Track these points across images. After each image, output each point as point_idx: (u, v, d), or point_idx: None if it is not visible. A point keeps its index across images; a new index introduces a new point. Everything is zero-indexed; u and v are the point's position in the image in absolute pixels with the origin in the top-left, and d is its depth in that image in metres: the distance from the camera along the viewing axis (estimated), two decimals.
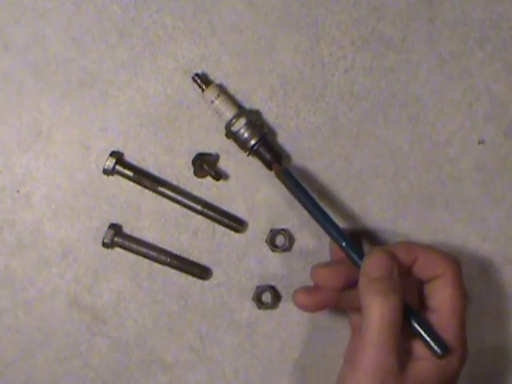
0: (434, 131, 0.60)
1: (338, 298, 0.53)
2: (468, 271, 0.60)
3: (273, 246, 0.59)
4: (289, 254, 0.60)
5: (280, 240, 0.60)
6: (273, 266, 0.60)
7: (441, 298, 0.51)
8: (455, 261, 0.52)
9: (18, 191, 0.59)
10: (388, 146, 0.60)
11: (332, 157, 0.60)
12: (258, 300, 0.59)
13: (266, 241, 0.59)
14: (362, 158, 0.60)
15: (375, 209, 0.60)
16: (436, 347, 0.49)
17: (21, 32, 0.58)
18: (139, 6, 0.58)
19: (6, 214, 0.59)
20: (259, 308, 0.59)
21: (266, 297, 0.60)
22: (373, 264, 0.51)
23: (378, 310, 0.49)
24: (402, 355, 0.49)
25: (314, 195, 0.56)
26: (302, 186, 0.55)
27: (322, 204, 0.55)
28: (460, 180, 0.60)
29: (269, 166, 0.57)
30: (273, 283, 0.60)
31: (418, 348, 0.51)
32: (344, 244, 0.53)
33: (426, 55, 0.60)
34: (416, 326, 0.50)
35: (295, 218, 0.60)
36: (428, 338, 0.50)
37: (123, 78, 0.59)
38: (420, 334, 0.50)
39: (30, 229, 0.59)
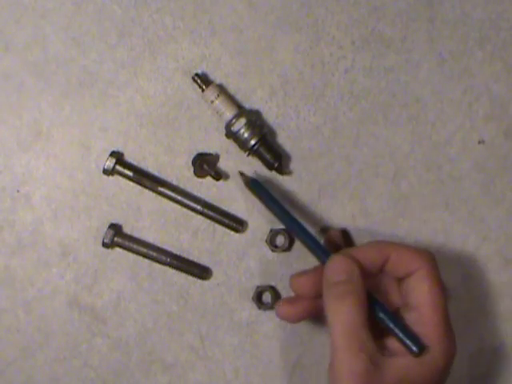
0: (434, 131, 0.60)
1: (319, 307, 0.53)
2: (468, 271, 0.60)
3: (273, 246, 0.59)
4: (289, 254, 0.60)
5: (280, 240, 0.60)
6: (273, 266, 0.60)
7: (419, 294, 0.51)
8: (429, 255, 0.52)
9: (18, 191, 0.59)
10: (388, 146, 0.60)
11: (332, 157, 0.60)
12: (258, 300, 0.59)
13: (266, 241, 0.59)
14: (362, 158, 0.60)
15: (375, 209, 0.60)
16: (412, 345, 0.49)
17: (21, 32, 0.58)
18: (139, 6, 0.58)
19: (5, 214, 0.59)
20: (259, 308, 0.59)
21: (266, 297, 0.60)
22: (331, 269, 0.51)
23: (336, 316, 0.49)
24: (378, 353, 0.49)
25: (284, 203, 0.56)
26: (270, 195, 0.56)
27: (292, 210, 0.56)
28: (460, 180, 0.60)
29: (269, 166, 0.58)
30: (273, 283, 0.60)
31: (396, 344, 0.50)
32: (316, 251, 0.53)
33: (426, 55, 0.60)
34: (390, 325, 0.50)
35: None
36: (404, 338, 0.49)
37: (123, 78, 0.59)
38: (394, 333, 0.50)
39: (30, 229, 0.59)
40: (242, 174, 0.58)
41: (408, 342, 0.49)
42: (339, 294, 0.50)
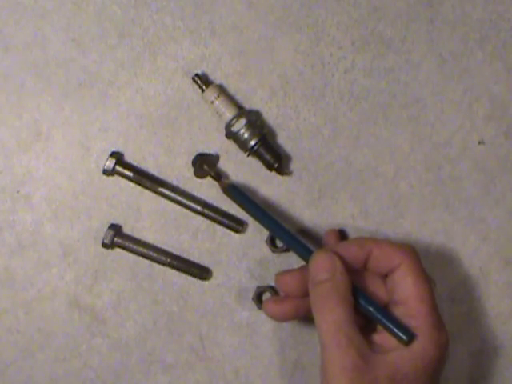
0: (434, 131, 0.60)
1: (307, 307, 0.53)
2: (468, 271, 0.60)
3: (273, 246, 0.59)
4: (289, 254, 0.60)
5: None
6: (273, 266, 0.60)
7: (404, 288, 0.51)
8: (410, 248, 0.52)
9: (17, 191, 0.59)
10: (388, 146, 0.60)
11: (332, 157, 0.60)
12: (258, 300, 0.59)
13: (266, 241, 0.59)
14: (362, 158, 0.60)
15: (375, 209, 0.60)
16: (401, 334, 0.49)
17: (21, 32, 0.58)
18: (139, 7, 0.58)
19: (5, 214, 0.59)
20: (259, 308, 0.59)
21: (266, 297, 0.60)
22: (314, 268, 0.51)
23: (322, 315, 0.50)
24: (368, 349, 0.49)
25: (263, 206, 0.57)
26: (249, 199, 0.56)
27: (271, 213, 0.56)
28: (460, 180, 0.60)
29: (269, 166, 0.58)
30: (273, 283, 0.60)
31: (387, 338, 0.50)
32: (299, 250, 0.54)
33: (426, 55, 0.60)
34: (378, 316, 0.50)
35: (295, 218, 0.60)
36: (393, 328, 0.50)
37: (123, 79, 0.59)
38: (383, 324, 0.50)
39: (30, 229, 0.59)
40: (219, 180, 0.58)
41: (397, 330, 0.49)
42: (323, 293, 0.50)
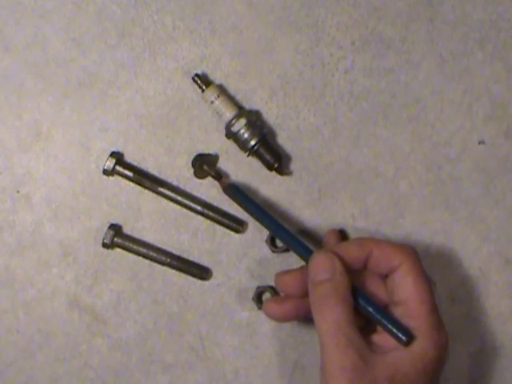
0: (434, 131, 0.60)
1: (307, 307, 0.52)
2: (468, 271, 0.60)
3: (273, 246, 0.59)
4: (289, 254, 0.60)
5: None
6: (273, 266, 0.60)
7: (404, 289, 0.51)
8: (410, 249, 0.52)
9: (17, 191, 0.59)
10: (388, 146, 0.60)
11: (332, 157, 0.60)
12: (257, 300, 0.59)
13: (266, 241, 0.59)
14: (362, 158, 0.60)
15: (375, 209, 0.60)
16: (400, 335, 0.49)
17: (21, 32, 0.58)
18: (139, 6, 0.58)
19: (5, 214, 0.59)
20: (259, 308, 0.59)
21: (266, 297, 0.60)
22: (314, 268, 0.51)
23: (321, 315, 0.50)
24: (367, 349, 0.49)
25: (262, 205, 0.57)
26: (249, 198, 0.56)
27: (271, 213, 0.56)
28: (460, 180, 0.60)
29: (269, 166, 0.58)
30: (273, 283, 0.60)
31: (387, 339, 0.50)
32: (298, 250, 0.54)
33: (426, 55, 0.60)
34: (377, 317, 0.50)
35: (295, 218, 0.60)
36: (392, 328, 0.50)
37: (123, 79, 0.59)
38: (382, 324, 0.50)
39: (30, 229, 0.59)
40: (219, 180, 0.58)
41: (396, 331, 0.49)
42: (323, 293, 0.50)
